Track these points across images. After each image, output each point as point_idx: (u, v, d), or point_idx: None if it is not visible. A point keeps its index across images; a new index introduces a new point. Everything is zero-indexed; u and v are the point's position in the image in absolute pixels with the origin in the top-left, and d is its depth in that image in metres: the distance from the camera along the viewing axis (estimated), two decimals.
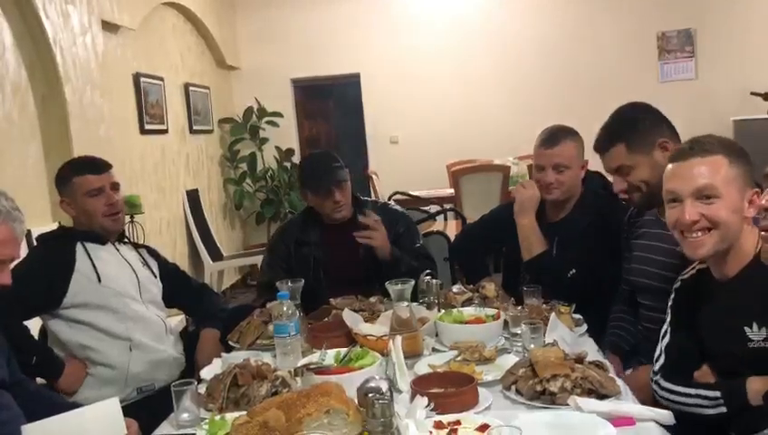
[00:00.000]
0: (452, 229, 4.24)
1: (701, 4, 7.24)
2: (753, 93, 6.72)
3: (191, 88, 6.39)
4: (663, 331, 1.79)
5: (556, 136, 2.51)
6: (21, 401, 1.78)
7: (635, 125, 2.09)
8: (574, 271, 2.43)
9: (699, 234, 1.60)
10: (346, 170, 2.69)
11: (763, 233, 1.49)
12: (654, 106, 2.18)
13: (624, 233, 2.31)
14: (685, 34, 7.33)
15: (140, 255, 2.54)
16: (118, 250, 2.43)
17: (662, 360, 1.76)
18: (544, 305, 2.16)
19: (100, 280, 2.29)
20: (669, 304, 1.80)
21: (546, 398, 1.60)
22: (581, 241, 2.45)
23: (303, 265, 2.67)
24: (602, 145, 2.13)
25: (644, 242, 2.18)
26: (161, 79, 5.69)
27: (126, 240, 2.54)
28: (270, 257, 2.82)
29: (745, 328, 1.57)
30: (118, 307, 2.30)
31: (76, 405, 1.94)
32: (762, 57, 7.19)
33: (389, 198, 5.58)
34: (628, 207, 2.30)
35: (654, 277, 2.10)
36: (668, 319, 1.79)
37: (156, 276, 2.53)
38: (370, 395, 1.36)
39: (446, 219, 4.84)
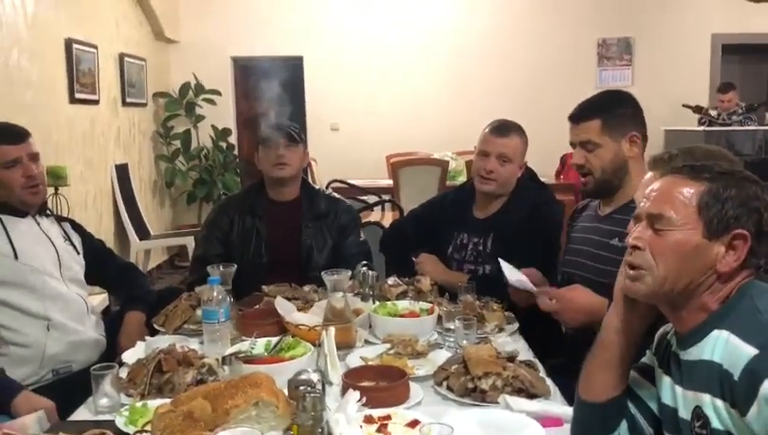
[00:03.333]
0: (389, 221, 4.24)
1: (638, 14, 7.45)
2: (684, 105, 6.97)
3: (126, 58, 6.15)
4: None
5: (508, 127, 2.55)
6: None
7: (615, 108, 2.11)
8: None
9: None
10: (302, 145, 2.75)
11: None
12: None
13: (568, 228, 2.34)
14: (624, 43, 7.54)
15: (63, 229, 2.40)
16: (38, 224, 2.30)
17: None
18: (478, 302, 2.17)
19: (16, 256, 2.15)
20: None
21: (477, 395, 1.60)
22: (517, 236, 2.45)
23: (246, 237, 2.67)
24: (578, 115, 2.13)
25: (579, 235, 2.22)
26: (95, 47, 5.45)
27: (48, 212, 2.40)
28: (208, 230, 2.77)
29: None
30: (35, 285, 2.17)
31: None
32: (693, 70, 7.47)
33: (327, 186, 5.53)
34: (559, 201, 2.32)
35: (586, 269, 2.11)
36: None
37: (78, 253, 2.41)
38: (301, 388, 1.33)
39: (383, 210, 4.84)
